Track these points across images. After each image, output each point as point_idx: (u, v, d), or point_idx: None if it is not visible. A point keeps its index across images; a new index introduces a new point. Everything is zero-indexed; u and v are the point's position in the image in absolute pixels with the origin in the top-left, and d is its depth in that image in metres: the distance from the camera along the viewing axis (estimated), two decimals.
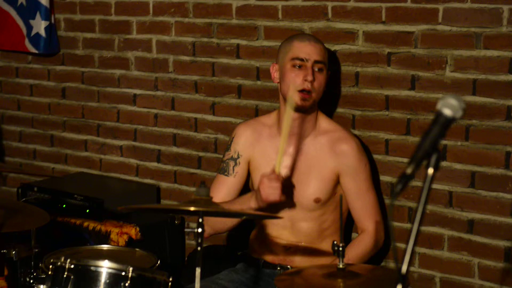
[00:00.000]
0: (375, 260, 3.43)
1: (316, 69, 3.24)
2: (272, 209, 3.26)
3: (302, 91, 3.21)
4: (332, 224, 3.32)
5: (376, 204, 3.31)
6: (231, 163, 3.40)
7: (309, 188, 3.27)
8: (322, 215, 3.31)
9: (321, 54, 3.26)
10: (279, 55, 3.32)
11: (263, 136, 3.39)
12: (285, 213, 3.26)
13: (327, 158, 3.28)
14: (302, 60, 3.23)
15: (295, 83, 3.22)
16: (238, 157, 3.40)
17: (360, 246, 3.27)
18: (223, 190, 3.37)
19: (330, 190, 3.29)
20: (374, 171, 3.54)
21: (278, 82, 3.34)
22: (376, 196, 3.33)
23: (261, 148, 3.37)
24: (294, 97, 3.19)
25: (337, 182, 3.30)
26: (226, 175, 3.40)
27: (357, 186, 3.28)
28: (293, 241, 3.32)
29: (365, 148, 3.48)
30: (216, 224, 3.31)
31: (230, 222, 3.33)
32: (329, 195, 3.29)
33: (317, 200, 3.27)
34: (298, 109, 3.23)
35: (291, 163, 3.30)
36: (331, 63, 3.63)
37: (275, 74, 3.34)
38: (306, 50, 3.23)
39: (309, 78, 3.21)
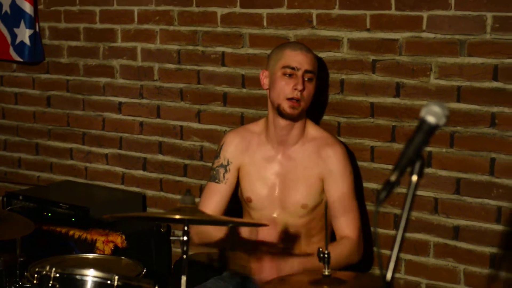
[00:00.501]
0: (361, 268, 3.44)
1: (306, 79, 3.25)
2: (261, 215, 3.27)
3: (291, 99, 3.22)
4: (319, 232, 3.32)
5: (358, 213, 3.30)
6: (221, 170, 3.40)
7: (297, 194, 3.28)
8: (309, 222, 3.31)
9: (312, 63, 3.28)
10: (270, 62, 3.33)
11: (252, 144, 3.39)
12: (273, 219, 3.27)
13: (313, 164, 3.29)
14: (293, 68, 3.23)
15: (284, 91, 3.23)
16: (228, 164, 3.40)
17: (338, 247, 3.18)
18: (215, 197, 3.37)
19: (317, 196, 3.29)
20: (359, 178, 3.55)
21: (267, 89, 3.34)
22: (358, 206, 3.31)
23: (250, 156, 3.38)
24: (284, 106, 3.22)
25: (323, 188, 3.30)
26: (217, 182, 3.40)
27: (340, 192, 3.27)
28: (279, 246, 3.31)
29: (351, 156, 3.48)
30: (203, 236, 3.30)
31: (216, 236, 3.31)
32: (316, 202, 3.29)
33: (304, 206, 3.28)
34: (287, 117, 3.25)
35: (280, 170, 3.31)
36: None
37: (265, 81, 3.35)
38: (298, 59, 3.24)
39: (299, 87, 3.22)
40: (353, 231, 3.26)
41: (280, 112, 3.26)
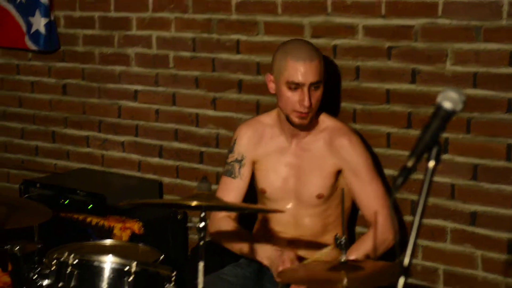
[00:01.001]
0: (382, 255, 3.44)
1: (312, 88, 3.18)
2: (276, 205, 3.27)
3: (299, 111, 3.20)
4: (336, 219, 3.33)
5: (380, 195, 3.27)
6: (236, 165, 3.40)
7: (312, 185, 3.28)
8: (325, 211, 3.32)
9: (317, 73, 3.18)
10: (274, 67, 3.26)
11: (265, 136, 3.39)
12: (289, 210, 3.28)
13: (327, 154, 3.28)
14: (297, 84, 3.17)
15: (291, 104, 3.19)
16: (243, 159, 3.40)
17: (370, 241, 3.22)
18: (232, 193, 3.37)
19: (332, 185, 3.29)
20: (376, 164, 3.55)
21: (274, 93, 3.31)
22: (381, 186, 3.30)
23: (264, 149, 3.38)
24: (292, 117, 3.22)
25: (338, 176, 3.30)
26: (233, 177, 3.40)
27: (359, 179, 3.27)
28: (296, 236, 3.33)
29: (364, 140, 3.48)
30: (220, 238, 3.33)
31: (233, 240, 3.34)
32: (332, 191, 3.30)
33: (319, 196, 3.28)
34: (296, 126, 3.24)
35: (293, 161, 3.31)
36: (331, 57, 3.64)
37: (271, 85, 3.30)
38: (302, 72, 3.14)
39: (306, 103, 3.16)
40: (379, 213, 3.24)
41: (289, 121, 3.25)
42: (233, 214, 3.39)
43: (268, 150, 3.37)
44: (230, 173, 3.41)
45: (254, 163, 3.40)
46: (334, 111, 3.62)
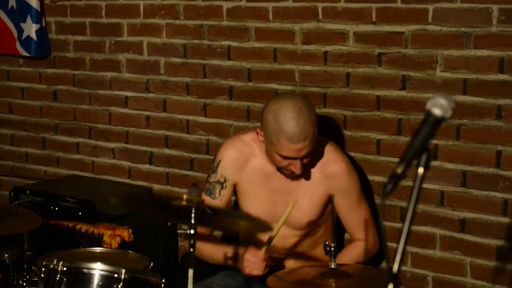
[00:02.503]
0: (369, 261, 3.43)
1: (304, 157, 3.08)
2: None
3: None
4: (325, 232, 3.32)
5: (368, 216, 3.30)
6: (218, 187, 3.34)
7: (302, 212, 3.22)
8: (314, 229, 3.30)
9: (310, 147, 3.04)
10: (264, 130, 3.09)
11: (250, 160, 3.29)
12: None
13: (319, 182, 3.23)
14: (290, 158, 3.06)
15: (281, 165, 3.10)
16: (225, 181, 3.33)
17: (352, 252, 3.27)
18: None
19: (322, 211, 3.27)
20: (363, 173, 3.55)
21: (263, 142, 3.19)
22: (368, 208, 3.32)
23: (248, 173, 3.29)
24: (282, 171, 3.15)
25: (329, 202, 3.26)
26: (212, 197, 3.33)
27: (348, 204, 3.26)
28: (284, 252, 3.31)
29: (353, 160, 3.49)
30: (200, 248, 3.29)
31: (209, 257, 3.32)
32: (322, 215, 3.28)
33: (310, 223, 3.25)
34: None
35: (283, 188, 3.25)
36: (321, 63, 3.65)
37: (260, 138, 3.16)
38: (295, 151, 3.02)
39: (298, 172, 3.08)
40: (366, 235, 3.28)
41: (278, 170, 3.18)
42: (208, 231, 3.34)
43: (253, 174, 3.28)
44: (210, 193, 3.34)
45: (236, 186, 3.33)
46: (324, 117, 3.62)
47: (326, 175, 3.23)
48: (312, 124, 3.03)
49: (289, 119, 3.00)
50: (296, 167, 3.07)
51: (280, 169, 3.17)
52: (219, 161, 3.34)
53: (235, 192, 3.37)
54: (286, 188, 3.24)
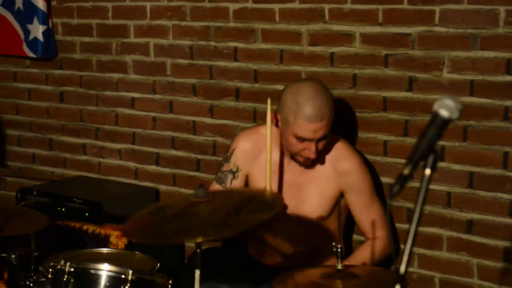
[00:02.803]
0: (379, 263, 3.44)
1: (320, 140, 3.12)
2: (275, 225, 3.25)
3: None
4: (334, 231, 3.32)
5: (381, 214, 3.30)
6: (229, 176, 3.36)
7: (312, 207, 3.25)
8: (323, 226, 3.30)
9: (326, 129, 3.09)
10: (282, 112, 3.14)
11: (263, 152, 3.30)
12: (287, 228, 3.25)
13: (331, 177, 3.24)
14: (306, 139, 3.10)
15: (297, 150, 3.13)
16: (237, 171, 3.35)
17: (368, 250, 3.26)
18: None
19: (333, 207, 3.27)
20: (373, 172, 3.55)
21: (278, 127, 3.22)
22: (380, 207, 3.32)
23: (260, 164, 3.29)
24: (297, 158, 3.18)
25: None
26: (223, 186, 3.35)
27: (362, 202, 3.26)
28: (293, 250, 3.31)
29: (365, 158, 3.48)
30: None
31: None
32: (331, 211, 3.28)
33: (320, 218, 3.26)
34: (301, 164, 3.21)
35: (294, 181, 3.27)
36: (328, 64, 3.65)
37: (276, 121, 3.20)
38: (311, 131, 3.06)
39: (313, 156, 3.11)
40: (380, 233, 3.27)
41: (292, 158, 3.21)
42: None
43: (264, 167, 3.26)
44: (221, 182, 3.36)
45: (248, 177, 3.36)
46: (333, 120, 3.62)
47: (338, 171, 3.24)
48: (329, 106, 3.09)
49: (307, 99, 3.07)
50: (311, 151, 3.10)
51: (293, 157, 3.18)
52: (233, 150, 3.37)
53: (246, 184, 3.38)
54: (297, 182, 3.26)
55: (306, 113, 3.05)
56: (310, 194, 3.25)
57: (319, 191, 3.25)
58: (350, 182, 3.24)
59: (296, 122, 3.07)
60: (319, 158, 3.21)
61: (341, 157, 3.25)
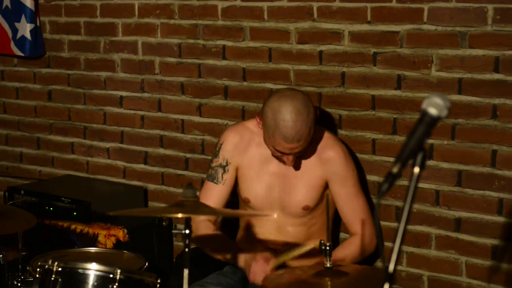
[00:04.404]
0: (364, 260, 3.43)
1: (298, 153, 3.17)
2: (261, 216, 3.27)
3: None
4: (320, 227, 3.33)
5: (366, 208, 3.32)
6: (220, 171, 3.38)
7: (298, 196, 3.28)
8: (309, 220, 3.31)
9: (304, 145, 3.13)
10: (262, 120, 3.17)
11: (251, 144, 3.36)
12: (273, 219, 3.27)
13: (315, 166, 3.27)
14: (283, 153, 3.15)
15: (276, 155, 3.19)
16: (227, 165, 3.37)
17: (349, 248, 3.28)
18: (213, 198, 3.34)
19: (319, 197, 3.29)
20: (360, 171, 3.55)
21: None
22: (365, 200, 3.34)
23: (249, 157, 3.35)
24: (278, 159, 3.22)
25: (325, 188, 3.30)
26: (215, 182, 3.37)
27: (346, 192, 3.28)
28: (279, 243, 3.32)
29: (351, 151, 3.49)
30: (199, 242, 3.31)
31: (210, 245, 3.35)
32: (318, 201, 3.29)
33: (306, 208, 3.27)
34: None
35: (279, 171, 3.30)
36: (316, 63, 3.65)
37: (259, 125, 3.24)
38: (288, 149, 3.11)
39: (289, 165, 3.20)
40: (363, 227, 3.29)
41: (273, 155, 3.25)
42: (213, 218, 3.37)
43: (253, 158, 3.35)
44: (213, 178, 3.39)
45: (237, 170, 3.39)
46: (319, 117, 3.61)
47: (323, 160, 3.27)
48: (308, 126, 3.11)
49: (286, 120, 3.08)
50: (288, 160, 3.17)
51: (274, 155, 3.23)
52: (221, 144, 3.41)
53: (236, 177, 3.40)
54: (284, 172, 3.29)
55: (284, 134, 3.08)
56: (296, 184, 3.28)
57: (305, 180, 3.27)
58: (334, 170, 3.26)
59: (274, 138, 3.11)
60: (303, 154, 3.24)
61: (325, 146, 3.29)
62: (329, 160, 3.27)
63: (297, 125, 3.07)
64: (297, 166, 3.28)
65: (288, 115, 3.08)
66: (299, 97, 3.16)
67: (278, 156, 3.19)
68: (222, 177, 3.37)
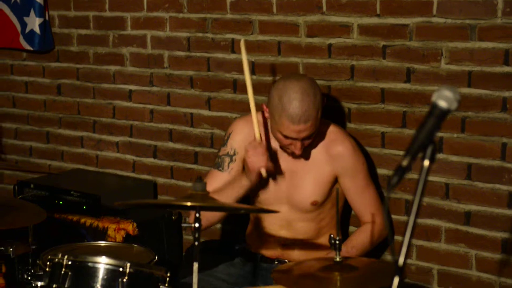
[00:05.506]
0: (373, 254, 3.44)
1: (305, 139, 3.14)
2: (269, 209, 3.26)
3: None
4: (330, 221, 3.33)
5: (376, 199, 3.32)
6: (227, 159, 3.37)
7: (306, 192, 3.27)
8: (319, 215, 3.31)
9: (311, 130, 3.10)
10: (269, 107, 3.17)
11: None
12: (282, 215, 3.26)
13: (324, 161, 3.26)
14: (291, 138, 3.12)
15: (283, 143, 3.16)
16: (234, 154, 3.37)
17: (360, 236, 3.29)
18: (216, 184, 3.29)
19: (327, 192, 3.28)
20: (370, 164, 3.54)
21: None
22: (375, 191, 3.34)
23: None
24: (285, 149, 3.22)
25: (334, 183, 3.29)
26: (220, 170, 3.36)
27: (356, 185, 3.28)
28: (290, 238, 3.32)
29: (359, 144, 3.48)
30: (209, 216, 3.27)
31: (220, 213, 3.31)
32: (326, 197, 3.29)
33: (314, 203, 3.27)
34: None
35: (287, 165, 3.29)
36: (326, 56, 3.64)
37: (267, 115, 3.24)
38: (296, 132, 3.08)
39: (297, 152, 3.15)
40: (374, 217, 3.29)
41: (281, 147, 3.24)
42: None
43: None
44: (219, 166, 3.37)
45: (245, 161, 3.37)
46: (328, 110, 3.61)
47: (332, 155, 3.26)
48: (316, 107, 3.08)
49: (292, 100, 3.06)
50: (296, 148, 3.13)
51: (282, 147, 3.21)
52: (230, 134, 3.40)
53: (243, 170, 3.37)
54: (292, 168, 3.28)
55: (291, 115, 3.05)
56: (304, 180, 3.26)
57: (313, 176, 3.26)
58: (344, 165, 3.25)
59: (280, 121, 3.08)
60: (312, 144, 3.23)
61: (334, 141, 3.27)
62: (338, 156, 3.26)
63: (304, 105, 3.05)
64: (305, 160, 3.27)
65: (294, 95, 3.07)
66: (305, 79, 3.17)
67: (286, 145, 3.15)
68: (229, 165, 3.35)
